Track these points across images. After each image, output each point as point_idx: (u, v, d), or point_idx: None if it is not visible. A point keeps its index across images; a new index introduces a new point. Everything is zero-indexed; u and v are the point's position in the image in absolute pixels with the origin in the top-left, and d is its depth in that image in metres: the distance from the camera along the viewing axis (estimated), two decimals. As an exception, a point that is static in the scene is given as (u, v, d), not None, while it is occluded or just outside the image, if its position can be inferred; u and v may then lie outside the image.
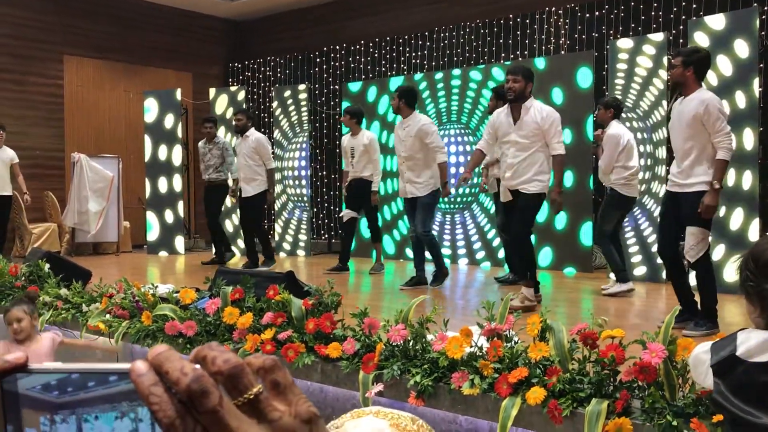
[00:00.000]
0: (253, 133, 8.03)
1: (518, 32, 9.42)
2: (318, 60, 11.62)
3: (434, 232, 7.18)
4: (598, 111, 6.37)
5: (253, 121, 8.41)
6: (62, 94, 10.85)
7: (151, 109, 10.22)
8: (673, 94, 6.95)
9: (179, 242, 10.26)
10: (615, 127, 6.18)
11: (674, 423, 2.56)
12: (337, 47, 11.34)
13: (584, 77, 7.79)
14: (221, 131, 9.74)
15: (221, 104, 10.34)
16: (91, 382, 0.43)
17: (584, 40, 8.86)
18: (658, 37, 7.07)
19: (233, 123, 8.28)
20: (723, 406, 1.66)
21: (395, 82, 9.48)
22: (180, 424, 0.40)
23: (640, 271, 7.02)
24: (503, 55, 9.51)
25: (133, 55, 11.54)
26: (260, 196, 8.00)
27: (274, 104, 10.32)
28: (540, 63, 8.32)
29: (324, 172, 11.41)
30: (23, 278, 5.82)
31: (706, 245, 4.42)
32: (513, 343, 3.17)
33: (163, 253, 10.10)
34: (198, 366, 0.42)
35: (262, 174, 7.96)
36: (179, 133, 10.32)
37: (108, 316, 4.76)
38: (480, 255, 8.68)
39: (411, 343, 3.40)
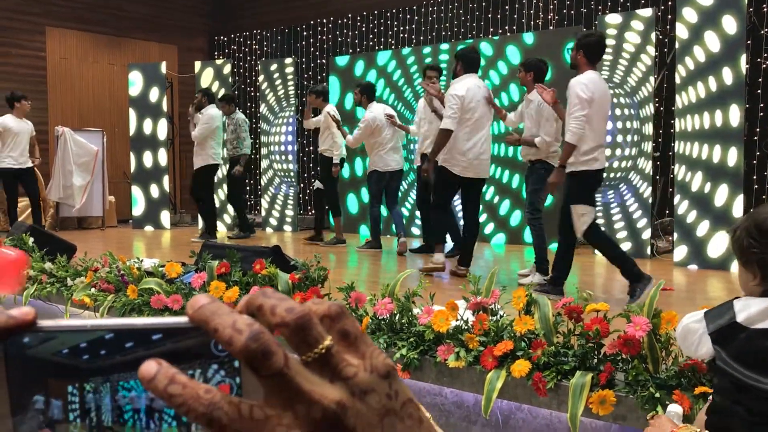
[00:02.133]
0: (208, 110, 8.42)
1: (506, 7, 9.37)
2: (305, 33, 11.51)
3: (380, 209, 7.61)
4: (518, 73, 5.75)
5: (211, 98, 8.64)
6: (45, 66, 10.70)
7: (135, 82, 10.10)
8: (660, 71, 6.96)
9: (165, 217, 10.21)
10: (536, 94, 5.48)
11: (657, 395, 2.59)
12: (324, 21, 11.23)
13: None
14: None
15: (207, 78, 10.23)
16: (129, 343, 0.36)
17: (572, 16, 8.82)
18: (647, 12, 7.05)
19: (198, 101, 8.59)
20: (726, 372, 1.68)
21: (383, 57, 9.42)
22: (221, 413, 0.33)
23: (625, 246, 7.06)
24: (491, 30, 9.46)
25: (117, 27, 11.38)
26: (208, 168, 8.53)
27: (261, 78, 10.23)
28: (528, 38, 8.29)
29: (311, 148, 11.35)
30: (7, 252, 5.78)
31: (589, 219, 4.66)
32: (498, 316, 3.18)
33: (148, 228, 10.05)
34: (252, 319, 0.35)
35: (213, 148, 8.50)
36: (164, 107, 10.22)
37: (93, 290, 4.74)
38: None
39: (397, 317, 3.42)
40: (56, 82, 10.92)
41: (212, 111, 8.44)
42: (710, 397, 1.91)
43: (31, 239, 5.80)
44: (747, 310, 1.69)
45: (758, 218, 1.71)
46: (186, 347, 0.36)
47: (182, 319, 0.36)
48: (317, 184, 8.32)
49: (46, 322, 0.37)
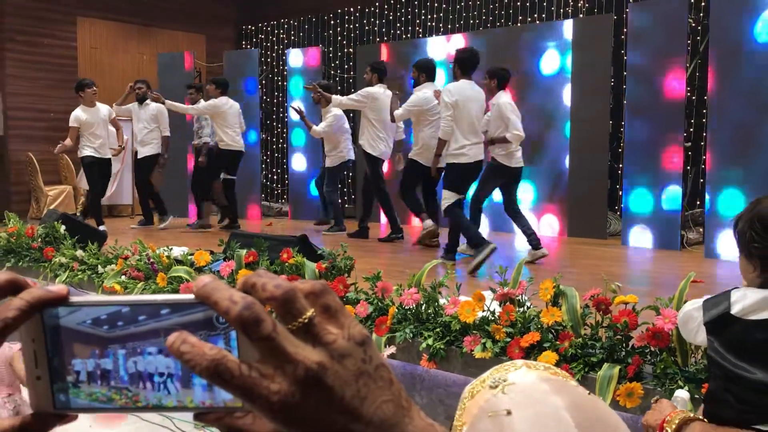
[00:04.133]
0: (152, 102, 8.53)
1: (536, -6, 9.27)
2: (332, 22, 11.50)
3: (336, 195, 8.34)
4: (483, 80, 6.11)
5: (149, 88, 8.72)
6: (76, 56, 10.83)
7: (164, 71, 10.18)
8: (692, 59, 6.96)
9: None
10: (500, 97, 5.96)
11: (686, 388, 2.57)
12: (352, 9, 11.21)
13: (603, 42, 7.67)
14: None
15: (234, 67, 10.28)
16: (142, 316, 0.43)
17: (603, 3, 8.70)
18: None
19: (135, 91, 8.62)
20: (717, 362, 1.69)
21: (410, 45, 9.39)
22: (223, 368, 0.39)
23: (651, 237, 6.98)
24: (520, 18, 9.37)
25: (146, 17, 11.47)
26: (152, 158, 8.64)
27: (288, 67, 10.24)
28: (558, 26, 8.20)
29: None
30: (39, 240, 5.87)
31: (449, 202, 5.78)
32: (525, 307, 3.17)
33: (177, 216, 10.14)
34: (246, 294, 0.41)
35: (158, 139, 8.58)
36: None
37: (123, 277, 4.81)
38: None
39: (423, 307, 3.42)
40: (87, 71, 11.04)
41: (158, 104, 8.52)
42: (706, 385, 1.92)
43: (63, 227, 5.90)
44: (743, 301, 1.70)
45: (762, 212, 1.70)
46: (191, 320, 0.42)
47: (188, 296, 0.42)
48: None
49: (75, 297, 0.43)
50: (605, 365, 2.78)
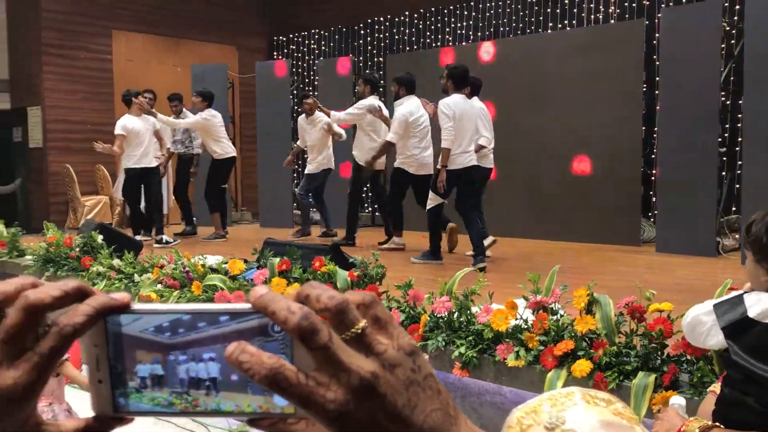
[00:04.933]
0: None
1: (566, 1, 9.23)
2: (362, 32, 11.57)
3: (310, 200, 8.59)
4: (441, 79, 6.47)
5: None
6: (111, 68, 11.04)
7: (198, 83, 10.32)
8: (726, 63, 6.93)
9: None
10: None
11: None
12: (382, 19, 11.27)
13: (634, 47, 7.60)
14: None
15: (265, 78, 10.39)
16: (201, 323, 0.44)
17: (634, 8, 8.63)
18: (713, 3, 6.84)
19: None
20: (739, 365, 1.69)
21: (435, 54, 9.41)
22: (281, 377, 0.41)
23: (686, 244, 6.88)
24: (550, 24, 9.34)
25: (180, 29, 11.66)
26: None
27: (319, 77, 10.32)
28: (587, 32, 8.15)
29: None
30: (77, 249, 5.99)
31: (434, 203, 6.29)
32: (559, 316, 3.16)
33: (211, 225, 10.25)
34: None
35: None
36: (227, 107, 10.43)
37: (159, 286, 4.89)
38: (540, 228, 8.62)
39: (455, 315, 3.42)
40: (122, 83, 11.24)
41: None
42: (711, 388, 1.90)
43: (100, 237, 6.02)
44: (759, 305, 1.71)
45: None
46: (247, 327, 0.44)
47: (245, 305, 0.44)
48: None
49: (137, 305, 0.45)
50: (640, 374, 2.76)
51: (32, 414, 0.44)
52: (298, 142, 8.89)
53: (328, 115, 8.05)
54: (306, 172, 8.60)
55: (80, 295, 0.44)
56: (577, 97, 8.10)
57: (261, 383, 0.41)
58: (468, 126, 6.16)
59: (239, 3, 12.39)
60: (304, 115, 8.56)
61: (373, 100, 7.61)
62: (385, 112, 7.60)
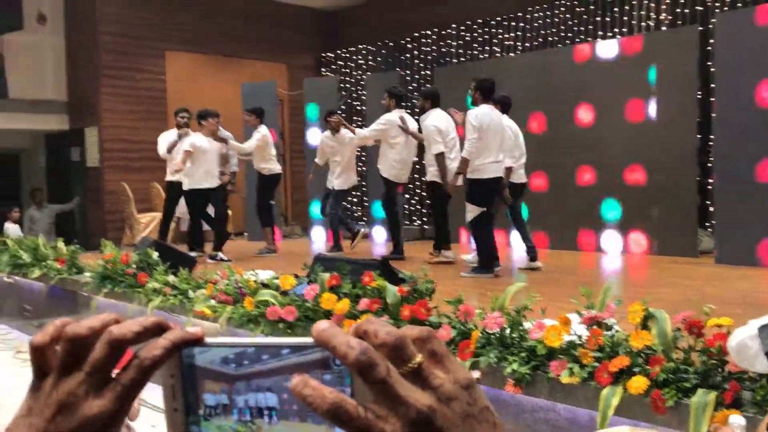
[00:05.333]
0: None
1: (615, 9, 9.10)
2: (409, 46, 11.61)
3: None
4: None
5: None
6: (165, 88, 11.32)
7: (247, 100, 10.50)
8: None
9: (277, 229, 10.53)
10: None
11: None
12: (429, 32, 11.30)
13: (687, 55, 7.44)
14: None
15: (314, 94, 10.51)
16: (265, 355, 0.47)
17: (686, 15, 8.45)
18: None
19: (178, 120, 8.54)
20: None
21: (479, 66, 9.37)
22: (342, 411, 0.42)
23: (746, 255, 6.67)
24: (599, 33, 9.22)
25: (229, 48, 11.90)
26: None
27: (367, 92, 10.39)
28: (638, 41, 8.02)
29: (416, 158, 11.41)
30: (134, 266, 6.13)
31: (473, 215, 6.32)
32: (614, 331, 3.09)
33: (263, 241, 10.39)
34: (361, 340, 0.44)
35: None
36: (277, 124, 10.58)
37: (213, 301, 4.96)
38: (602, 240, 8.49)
39: (508, 331, 3.38)
40: (175, 102, 11.50)
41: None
42: None
43: (156, 253, 6.15)
44: None
45: None
46: (308, 360, 0.46)
47: (307, 339, 0.45)
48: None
49: (209, 339, 0.48)
50: (699, 391, 2.67)
51: None
52: (316, 159, 8.97)
53: (353, 133, 8.23)
54: (336, 188, 8.58)
55: (158, 330, 0.47)
56: (629, 105, 7.97)
57: (323, 416, 0.43)
58: (496, 136, 6.30)
59: (289, 22, 12.58)
60: (328, 132, 8.62)
61: (395, 115, 7.71)
62: (412, 124, 7.71)
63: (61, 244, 7.61)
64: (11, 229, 9.85)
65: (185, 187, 8.10)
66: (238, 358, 0.47)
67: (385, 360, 0.43)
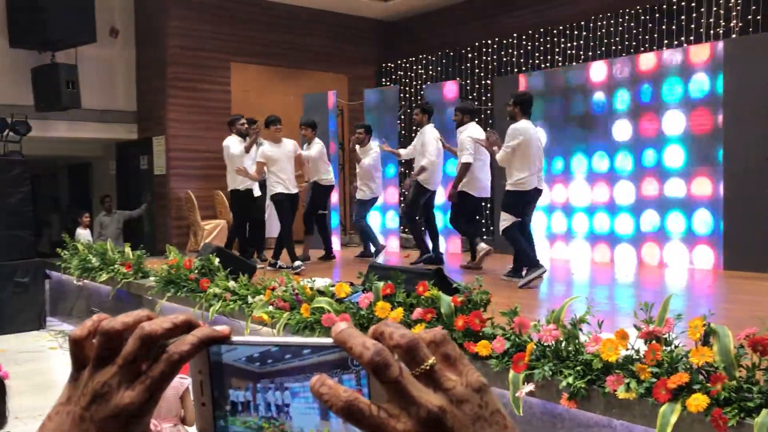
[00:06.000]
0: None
1: (683, 17, 8.87)
2: (469, 56, 11.58)
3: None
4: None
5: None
6: (230, 99, 11.58)
7: (309, 111, 10.66)
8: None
9: (335, 238, 10.63)
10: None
11: None
12: (489, 42, 11.25)
13: (760, 62, 7.19)
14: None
15: (374, 104, 10.59)
16: (287, 355, 0.49)
17: (759, 22, 8.17)
18: None
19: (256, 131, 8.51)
20: None
21: (535, 76, 9.27)
22: (356, 408, 0.44)
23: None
24: (666, 42, 9.00)
25: (292, 60, 12.10)
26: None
27: (426, 101, 10.39)
28: (705, 50, 7.80)
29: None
30: (196, 271, 6.28)
31: (507, 224, 6.56)
32: (673, 346, 3.01)
33: (320, 249, 10.50)
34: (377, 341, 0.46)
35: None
36: (337, 134, 10.69)
37: (271, 307, 5.05)
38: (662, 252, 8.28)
39: (563, 344, 3.33)
40: (239, 112, 11.77)
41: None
42: None
43: (217, 259, 6.29)
44: None
45: None
46: (328, 360, 0.48)
47: (327, 340, 0.47)
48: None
49: (236, 338, 0.50)
50: (764, 411, 2.58)
51: (146, 431, 0.50)
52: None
53: (398, 156, 8.85)
54: (358, 198, 8.93)
55: (187, 327, 0.50)
56: (694, 115, 7.76)
57: (338, 413, 0.45)
58: (535, 150, 6.58)
59: (350, 33, 12.72)
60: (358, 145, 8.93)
61: (434, 131, 8.17)
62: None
63: (128, 249, 7.87)
64: (82, 234, 10.22)
65: (270, 192, 8.18)
66: (263, 356, 0.49)
67: (399, 361, 0.45)
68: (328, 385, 0.45)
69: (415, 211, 8.32)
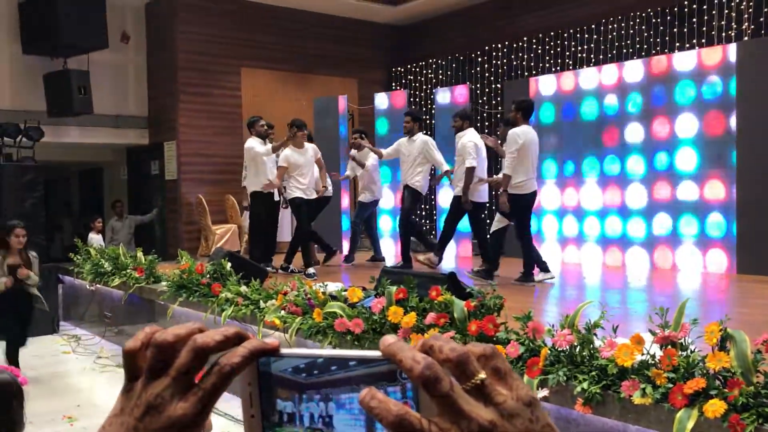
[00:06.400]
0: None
1: (694, 19, 8.84)
2: (480, 59, 11.57)
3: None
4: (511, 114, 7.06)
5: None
6: (240, 104, 11.61)
7: (320, 115, 10.68)
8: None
9: (345, 241, 10.62)
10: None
11: None
12: (499, 45, 11.23)
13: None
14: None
15: (384, 108, 10.59)
16: (333, 366, 0.49)
17: (771, 24, 8.13)
18: None
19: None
20: None
21: (548, 79, 9.25)
22: (406, 422, 0.44)
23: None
24: (677, 44, 8.97)
25: (303, 64, 12.12)
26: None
27: (436, 106, 10.40)
28: (717, 52, 7.76)
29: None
30: (208, 276, 6.29)
31: (498, 225, 7.02)
32: (689, 352, 2.99)
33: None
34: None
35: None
36: (347, 138, 10.70)
37: (283, 312, 5.05)
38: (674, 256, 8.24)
39: (577, 349, 3.31)
40: (246, 123, 11.79)
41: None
42: None
43: (229, 264, 6.30)
44: None
45: None
46: (374, 372, 0.47)
47: (375, 353, 0.47)
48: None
49: (284, 350, 0.50)
50: (782, 417, 2.55)
51: None
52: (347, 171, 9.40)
53: (380, 156, 8.61)
54: (359, 200, 9.04)
55: (238, 340, 0.50)
56: (708, 117, 7.72)
57: (388, 427, 0.44)
58: (534, 155, 6.81)
59: (360, 37, 12.73)
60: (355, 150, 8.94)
61: (429, 139, 8.27)
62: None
63: (140, 254, 7.89)
64: (94, 239, 10.26)
65: (289, 197, 8.04)
66: (308, 367, 0.50)
67: (449, 375, 0.45)
68: (378, 398, 0.45)
69: (411, 215, 8.37)
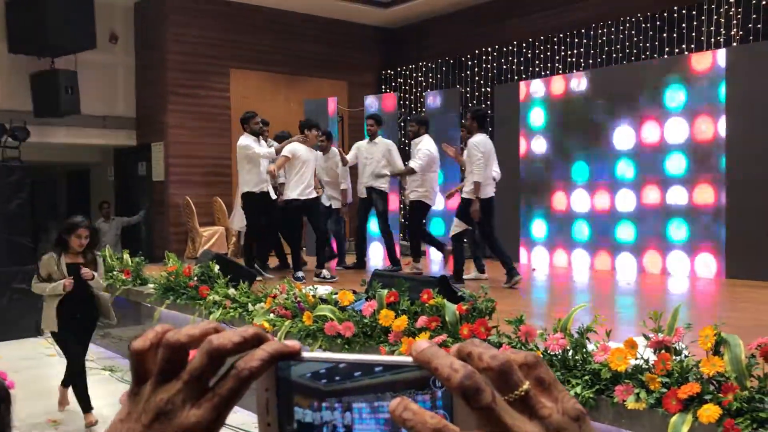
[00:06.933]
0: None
1: (683, 25, 8.88)
2: (470, 63, 11.57)
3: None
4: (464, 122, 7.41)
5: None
6: (229, 105, 11.54)
7: (309, 117, 10.62)
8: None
9: (334, 244, 10.57)
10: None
11: None
12: (490, 49, 11.24)
13: (763, 70, 7.18)
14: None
15: (374, 111, 10.55)
16: (357, 372, 0.45)
17: (759, 31, 8.18)
18: None
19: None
20: None
21: (538, 83, 9.26)
22: None
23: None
24: (667, 49, 9.00)
25: (292, 66, 12.08)
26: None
27: (426, 109, 10.38)
28: (706, 58, 7.79)
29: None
30: (195, 278, 6.23)
31: (458, 230, 7.14)
32: (683, 356, 2.97)
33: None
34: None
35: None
36: (338, 140, 10.65)
37: (272, 315, 5.00)
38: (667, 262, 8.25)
39: (570, 353, 3.29)
40: (239, 119, 11.73)
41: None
42: None
43: (217, 267, 6.24)
44: None
45: None
46: (401, 379, 0.44)
47: (405, 358, 0.44)
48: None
49: (306, 354, 0.47)
50: (777, 422, 2.54)
51: None
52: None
53: (344, 162, 8.55)
54: (330, 204, 8.95)
55: (257, 341, 0.46)
56: (697, 122, 7.74)
57: None
58: (492, 161, 7.08)
59: (350, 40, 12.71)
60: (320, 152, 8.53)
61: (390, 142, 8.30)
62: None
63: (126, 256, 7.81)
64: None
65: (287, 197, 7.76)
66: (330, 373, 0.46)
67: (490, 385, 0.41)
68: (412, 410, 0.41)
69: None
